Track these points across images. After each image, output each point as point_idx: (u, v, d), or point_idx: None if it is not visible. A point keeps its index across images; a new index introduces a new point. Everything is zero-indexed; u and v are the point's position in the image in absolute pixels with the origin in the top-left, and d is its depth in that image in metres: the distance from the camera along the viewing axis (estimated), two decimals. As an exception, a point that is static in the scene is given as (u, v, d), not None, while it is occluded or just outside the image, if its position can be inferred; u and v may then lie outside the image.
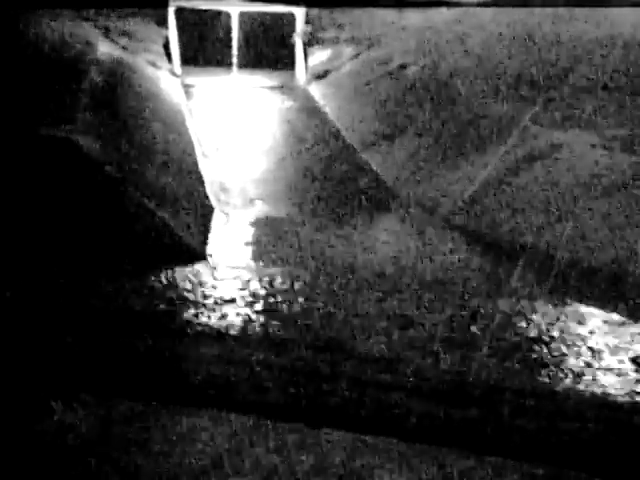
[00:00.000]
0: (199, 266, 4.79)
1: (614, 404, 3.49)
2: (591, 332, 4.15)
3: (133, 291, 4.34)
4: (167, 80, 9.84)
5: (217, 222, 5.72)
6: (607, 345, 4.02)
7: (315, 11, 11.04)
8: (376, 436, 3.12)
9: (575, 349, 3.97)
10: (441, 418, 3.32)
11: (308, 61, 10.92)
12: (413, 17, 10.86)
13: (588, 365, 3.81)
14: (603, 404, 3.48)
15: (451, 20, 10.25)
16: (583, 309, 4.41)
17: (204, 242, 5.20)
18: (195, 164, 6.92)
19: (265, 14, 10.86)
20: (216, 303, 4.32)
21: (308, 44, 10.94)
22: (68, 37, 8.19)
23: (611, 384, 3.64)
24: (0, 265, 4.27)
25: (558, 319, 4.29)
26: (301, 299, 4.43)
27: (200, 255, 4.95)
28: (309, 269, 4.89)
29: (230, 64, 10.81)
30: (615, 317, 4.31)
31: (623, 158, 5.62)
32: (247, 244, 5.35)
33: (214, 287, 4.53)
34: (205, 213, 5.81)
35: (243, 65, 10.84)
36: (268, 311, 4.25)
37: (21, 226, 4.50)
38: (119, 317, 4.02)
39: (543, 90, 7.15)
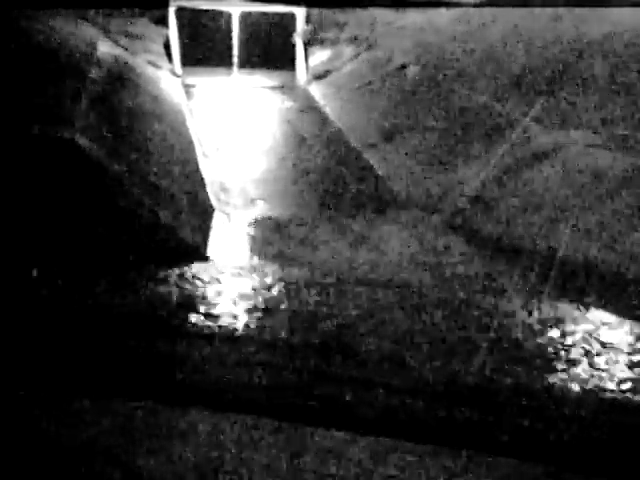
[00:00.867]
0: (199, 266, 4.79)
1: (614, 404, 3.49)
2: (591, 332, 4.15)
3: (133, 291, 4.34)
4: (167, 80, 9.84)
5: (217, 222, 5.72)
6: (607, 345, 4.02)
7: (315, 11, 11.03)
8: (376, 436, 3.12)
9: (575, 349, 3.97)
10: (441, 418, 3.32)
11: (308, 61, 10.92)
12: (413, 17, 10.85)
13: (588, 365, 3.81)
14: (603, 404, 3.48)
15: (451, 20, 10.25)
16: (583, 309, 4.41)
17: (204, 242, 5.20)
18: (195, 164, 6.92)
19: (265, 14, 10.85)
20: (216, 303, 4.32)
21: (308, 44, 10.94)
22: (68, 37, 8.18)
23: (611, 384, 3.64)
24: (0, 265, 4.27)
25: (558, 319, 4.29)
26: (301, 299, 4.43)
27: (200, 255, 4.95)
28: (309, 269, 4.89)
29: (230, 64, 10.80)
30: (615, 317, 4.31)
31: (623, 158, 5.62)
32: (247, 244, 5.35)
33: (214, 287, 4.53)
34: (205, 213, 5.81)
35: (243, 65, 10.84)
36: (268, 311, 4.25)
37: (21, 226, 4.50)
38: (119, 317, 4.02)
39: (543, 90, 7.15)
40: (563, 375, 3.70)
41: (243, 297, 4.42)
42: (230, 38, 10.78)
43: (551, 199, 5.49)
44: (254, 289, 4.54)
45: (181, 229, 5.03)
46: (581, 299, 4.50)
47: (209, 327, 4.04)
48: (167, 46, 10.67)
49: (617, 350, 3.96)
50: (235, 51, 10.83)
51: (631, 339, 4.08)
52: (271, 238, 5.47)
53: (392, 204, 6.25)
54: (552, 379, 3.66)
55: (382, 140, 7.67)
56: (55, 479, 2.81)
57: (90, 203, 4.71)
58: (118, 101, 6.90)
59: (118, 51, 9.34)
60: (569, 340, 4.05)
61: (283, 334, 3.99)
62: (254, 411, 3.25)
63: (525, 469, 2.99)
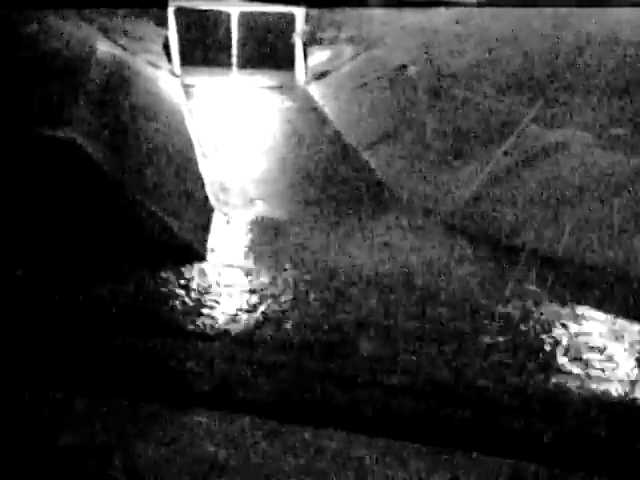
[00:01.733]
0: (199, 266, 4.79)
1: (614, 404, 3.49)
2: (591, 332, 4.15)
3: (133, 291, 4.34)
4: (167, 80, 9.84)
5: (217, 222, 5.71)
6: (607, 345, 4.02)
7: (315, 11, 11.03)
8: (376, 436, 3.11)
9: (575, 349, 3.97)
10: (441, 418, 3.32)
11: (308, 61, 10.91)
12: (413, 17, 10.85)
13: (588, 365, 3.81)
14: (603, 404, 3.48)
15: (451, 20, 10.25)
16: (583, 309, 4.41)
17: (203, 242, 5.20)
18: (195, 164, 6.91)
19: (265, 14, 10.85)
20: (216, 303, 4.32)
21: (308, 44, 10.93)
22: (68, 37, 8.18)
23: (611, 384, 3.64)
24: (0, 265, 4.26)
25: (558, 319, 4.29)
26: (301, 299, 4.42)
27: (199, 255, 4.95)
28: (309, 269, 4.89)
29: (230, 64, 10.80)
30: (615, 317, 4.31)
31: (623, 158, 5.62)
32: (247, 244, 5.35)
33: (214, 287, 4.53)
34: (205, 213, 5.80)
35: (243, 65, 10.83)
36: (268, 311, 4.25)
37: (21, 226, 4.50)
38: (119, 317, 4.02)
39: (543, 90, 7.15)
40: (563, 375, 3.70)
41: (242, 297, 4.42)
42: (229, 38, 10.78)
43: (551, 199, 5.49)
44: (253, 289, 4.53)
45: (180, 229, 5.03)
46: (581, 299, 4.50)
47: (208, 327, 4.04)
48: (166, 46, 10.67)
49: (617, 350, 3.96)
50: (234, 51, 10.82)
51: (631, 339, 4.07)
52: (270, 238, 5.46)
53: (392, 204, 6.24)
54: (552, 379, 3.66)
55: (381, 140, 7.67)
56: (55, 479, 2.81)
57: (89, 203, 4.70)
58: (117, 101, 6.90)
59: (118, 51, 9.34)
60: (569, 340, 4.05)
61: (283, 334, 3.99)
62: (254, 411, 3.25)
63: (525, 469, 2.98)
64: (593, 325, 4.23)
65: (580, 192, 5.41)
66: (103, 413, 3.14)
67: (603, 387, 3.60)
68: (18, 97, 5.43)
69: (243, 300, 4.38)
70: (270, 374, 3.58)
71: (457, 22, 10.06)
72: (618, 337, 4.09)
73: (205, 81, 10.38)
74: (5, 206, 4.52)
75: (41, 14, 8.47)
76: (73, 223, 4.60)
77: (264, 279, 4.68)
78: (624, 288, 4.55)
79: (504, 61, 8.09)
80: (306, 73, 10.76)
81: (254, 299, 4.39)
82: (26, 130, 4.87)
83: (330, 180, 6.84)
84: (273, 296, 4.44)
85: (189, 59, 10.63)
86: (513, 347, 3.96)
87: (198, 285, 4.52)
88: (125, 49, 9.85)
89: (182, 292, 4.40)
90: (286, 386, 3.50)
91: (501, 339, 4.03)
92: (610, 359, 3.87)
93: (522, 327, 4.18)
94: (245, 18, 10.76)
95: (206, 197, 6.17)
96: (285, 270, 4.85)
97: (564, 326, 4.20)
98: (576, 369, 3.76)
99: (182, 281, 4.54)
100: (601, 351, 3.95)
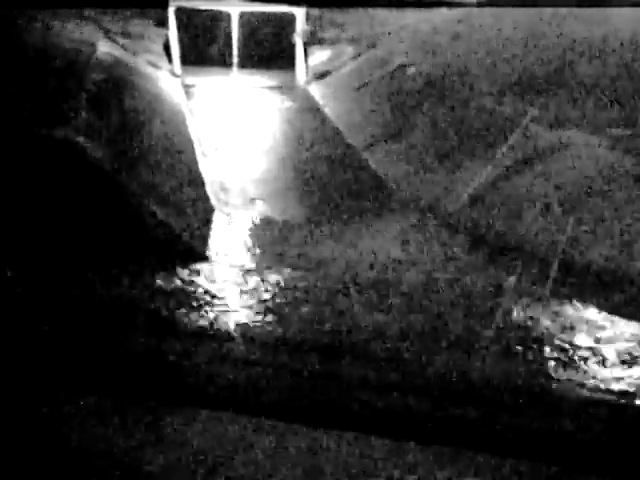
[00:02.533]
0: (199, 266, 4.79)
1: (614, 404, 3.49)
2: (591, 332, 4.16)
3: (133, 291, 4.34)
4: (167, 80, 9.84)
5: (217, 222, 5.71)
6: (607, 345, 4.02)
7: (315, 11, 11.03)
8: (376, 436, 3.11)
9: (575, 349, 3.97)
10: (441, 418, 3.32)
11: (308, 61, 10.91)
12: (413, 17, 10.85)
13: (588, 365, 3.81)
14: (603, 404, 3.48)
15: (451, 20, 10.25)
16: (583, 309, 4.41)
17: (204, 242, 5.20)
18: (195, 164, 6.91)
19: (265, 14, 10.85)
20: (216, 303, 4.32)
21: (308, 44, 10.93)
22: (68, 37, 8.19)
23: (611, 384, 3.64)
24: (0, 266, 4.27)
25: (558, 319, 4.29)
26: (301, 299, 4.42)
27: (199, 255, 4.95)
28: (309, 269, 4.89)
29: (230, 64, 10.79)
30: (615, 317, 4.31)
31: (623, 158, 5.62)
32: (247, 244, 5.35)
33: (214, 287, 4.53)
34: (205, 213, 5.80)
35: (243, 65, 10.83)
36: (268, 311, 4.25)
37: (21, 226, 4.50)
38: (118, 317, 4.02)
39: (543, 90, 7.15)
40: (563, 375, 3.70)
41: (242, 297, 4.42)
42: (230, 38, 10.77)
43: (551, 199, 5.49)
44: (254, 289, 4.54)
45: (180, 229, 5.03)
46: (581, 299, 4.50)
47: (208, 327, 4.04)
48: (167, 46, 10.66)
49: (617, 350, 3.97)
50: (235, 51, 10.82)
51: (631, 339, 4.07)
52: (270, 238, 5.46)
53: (392, 204, 6.24)
54: (552, 379, 3.66)
55: (382, 140, 7.67)
56: (56, 479, 2.81)
57: (89, 203, 4.71)
58: (118, 101, 6.90)
59: (118, 51, 9.34)
60: (569, 340, 4.05)
61: (283, 334, 3.99)
62: (254, 411, 3.25)
63: (525, 469, 2.98)
64: (593, 325, 4.23)
65: (580, 192, 5.41)
66: (103, 413, 3.14)
67: (603, 387, 3.60)
68: (18, 97, 5.43)
69: (243, 300, 4.38)
70: (270, 374, 3.59)
71: (457, 22, 10.06)
72: (618, 337, 4.10)
73: (205, 81, 10.38)
74: (5, 206, 4.52)
75: (41, 14, 8.48)
76: (73, 223, 4.60)
77: (264, 279, 4.68)
78: (624, 288, 4.55)
79: (504, 61, 8.10)
80: (306, 73, 10.76)
81: (254, 299, 4.40)
82: (26, 130, 4.87)
83: (330, 180, 6.85)
84: (273, 296, 4.44)
85: (189, 59, 10.62)
86: (513, 347, 3.96)
87: (198, 285, 4.53)
88: (125, 49, 9.85)
89: (182, 292, 4.40)
90: (287, 386, 3.50)
91: (501, 339, 4.03)
92: (610, 359, 3.87)
93: (522, 327, 4.18)
94: (245, 18, 10.76)
95: (206, 197, 6.17)
96: (285, 270, 4.85)
97: (564, 326, 4.21)
98: (576, 369, 3.76)
99: (182, 281, 4.55)
100: (601, 351, 3.95)
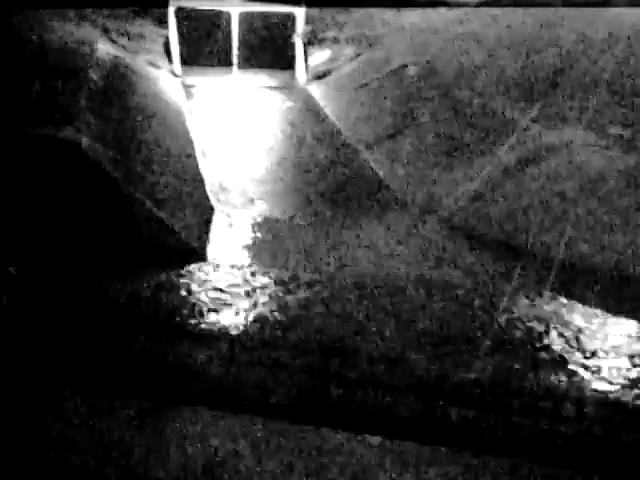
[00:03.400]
0: (199, 266, 4.79)
1: (614, 404, 3.49)
2: (591, 332, 4.15)
3: (133, 291, 4.34)
4: (167, 80, 9.84)
5: (217, 222, 5.71)
6: (607, 345, 4.02)
7: (315, 11, 11.02)
8: (376, 436, 3.12)
9: (575, 349, 3.97)
10: (441, 418, 3.32)
11: (308, 61, 10.90)
12: (413, 17, 10.85)
13: (588, 365, 3.81)
14: (603, 404, 3.48)
15: (451, 20, 10.24)
16: (583, 309, 4.41)
17: (204, 242, 5.20)
18: (195, 164, 6.91)
19: (265, 14, 10.84)
20: (216, 303, 4.32)
21: (308, 44, 10.93)
22: (68, 37, 8.18)
23: (611, 384, 3.64)
24: (0, 266, 4.27)
25: (558, 319, 4.29)
26: (301, 299, 4.42)
27: (200, 255, 4.95)
28: (309, 269, 4.89)
29: (230, 64, 10.79)
30: (615, 317, 4.31)
31: (623, 158, 5.62)
32: (247, 244, 5.35)
33: (214, 287, 4.53)
34: (205, 213, 5.80)
35: (243, 65, 10.83)
36: (268, 311, 4.25)
37: (20, 227, 4.50)
38: (118, 317, 4.02)
39: (543, 90, 7.15)
40: (563, 375, 3.70)
41: (242, 297, 4.42)
42: (230, 38, 10.77)
43: (551, 199, 5.49)
44: (254, 289, 4.54)
45: (180, 229, 5.03)
46: (581, 299, 4.50)
47: (208, 327, 4.04)
48: (167, 46, 10.66)
49: (618, 350, 3.97)
50: (235, 51, 10.81)
51: (632, 339, 4.08)
52: (270, 238, 5.46)
53: (392, 204, 6.24)
54: (552, 379, 3.66)
55: (382, 140, 7.67)
56: (55, 479, 2.81)
57: (89, 203, 4.71)
58: (118, 101, 6.90)
59: (118, 51, 9.34)
60: (569, 340, 4.05)
61: (283, 334, 3.99)
62: (254, 411, 3.25)
63: (524, 469, 2.98)
64: (593, 325, 4.23)
65: (580, 192, 5.41)
66: (103, 413, 3.14)
67: (603, 387, 3.60)
68: (18, 97, 5.43)
69: (243, 300, 4.38)
70: (271, 374, 3.59)
71: (457, 22, 10.06)
72: (618, 337, 4.10)
73: (205, 81, 10.38)
74: (5, 206, 4.52)
75: (41, 14, 8.47)
76: (72, 223, 4.60)
77: (264, 279, 4.68)
78: (625, 288, 4.55)
79: (504, 61, 8.09)
80: (306, 73, 10.76)
81: (254, 299, 4.40)
82: (26, 130, 4.87)
83: (330, 180, 6.84)
84: (273, 296, 4.44)
85: (190, 59, 10.62)
86: (513, 347, 3.96)
87: (198, 285, 4.53)
88: (125, 49, 9.85)
89: (182, 292, 4.40)
90: (287, 386, 3.50)
91: (501, 339, 4.03)
92: (610, 359, 3.87)
93: (522, 327, 4.18)
94: (245, 18, 10.76)
95: (206, 197, 6.17)
96: (285, 270, 4.85)
97: (564, 326, 4.21)
98: (576, 369, 3.76)
99: (182, 281, 4.55)
100: (601, 351, 3.95)
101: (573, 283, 4.66)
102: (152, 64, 10.10)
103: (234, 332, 4.00)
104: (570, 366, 3.78)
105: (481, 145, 6.64)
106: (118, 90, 7.32)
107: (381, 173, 6.96)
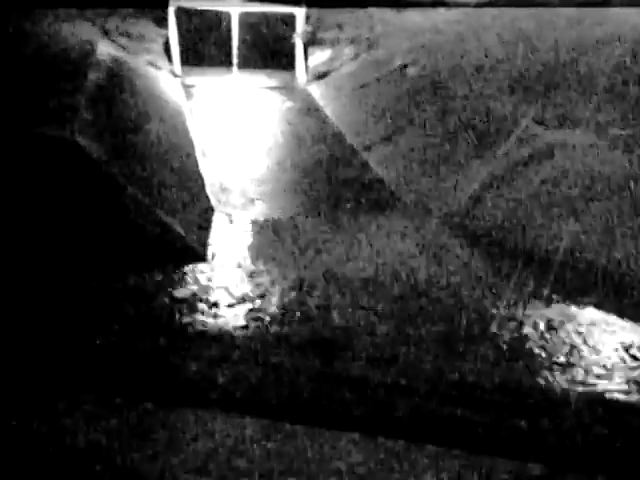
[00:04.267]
0: (199, 266, 4.79)
1: (614, 404, 3.49)
2: (591, 332, 4.15)
3: (133, 291, 4.34)
4: (167, 80, 9.84)
5: (217, 222, 5.71)
6: (607, 345, 4.02)
7: (315, 11, 11.02)
8: (377, 436, 3.11)
9: (575, 349, 3.97)
10: (441, 418, 3.32)
11: (308, 61, 10.91)
12: (413, 17, 10.85)
13: (588, 365, 3.81)
14: (603, 404, 3.48)
15: (451, 20, 10.25)
16: (583, 309, 4.41)
17: (204, 242, 5.20)
18: (195, 164, 6.91)
19: (265, 14, 10.85)
20: (216, 303, 4.32)
21: (308, 44, 10.93)
22: (68, 37, 8.18)
23: (611, 384, 3.64)
24: (0, 266, 4.27)
25: (558, 319, 4.29)
26: (301, 299, 4.43)
27: (200, 255, 4.95)
28: (309, 269, 4.89)
29: (230, 64, 10.80)
30: (616, 317, 4.31)
31: (623, 158, 5.62)
32: (247, 244, 5.35)
33: (214, 287, 4.53)
34: (205, 213, 5.80)
35: (243, 65, 10.83)
36: (268, 311, 4.25)
37: (20, 227, 4.50)
38: (118, 317, 4.02)
39: (543, 90, 7.15)
40: (563, 375, 3.70)
41: (243, 297, 4.42)
42: (230, 38, 10.77)
43: (551, 199, 5.49)
44: (254, 289, 4.54)
45: (180, 229, 5.03)
46: (581, 299, 4.50)
47: (208, 327, 4.04)
48: (167, 46, 10.66)
49: (617, 350, 3.96)
50: (235, 51, 10.82)
51: (631, 339, 4.07)
52: (271, 238, 5.46)
53: (392, 204, 6.24)
54: (552, 379, 3.66)
55: (382, 140, 7.67)
56: (55, 478, 2.81)
57: (89, 203, 4.71)
58: (118, 101, 6.90)
59: (118, 51, 9.34)
60: (569, 340, 4.05)
61: (284, 334, 3.99)
62: (254, 412, 3.25)
63: (524, 469, 2.98)
64: (593, 325, 4.23)
65: (580, 192, 5.41)
66: (103, 413, 3.14)
67: (603, 387, 3.60)
68: (18, 97, 5.43)
69: (243, 300, 4.38)
70: (271, 374, 3.59)
71: (457, 22, 10.06)
72: (618, 337, 4.10)
73: (205, 81, 10.38)
74: (5, 206, 4.52)
75: (41, 14, 8.47)
76: (72, 223, 4.60)
77: (264, 279, 4.68)
78: (624, 288, 4.55)
79: (504, 61, 8.10)
80: (306, 73, 10.76)
81: (254, 299, 4.40)
82: (26, 130, 4.87)
83: (330, 180, 6.84)
84: (274, 296, 4.44)
85: (189, 59, 10.63)
86: (512, 347, 3.96)
87: (198, 285, 4.53)
88: (125, 49, 9.85)
89: (182, 292, 4.40)
90: (287, 386, 3.50)
91: (501, 339, 4.03)
92: (610, 359, 3.87)
93: (522, 327, 4.18)
94: (245, 18, 10.76)
95: (206, 197, 6.17)
96: (286, 270, 4.85)
97: (564, 326, 4.21)
98: (576, 369, 3.76)
99: (182, 281, 4.55)
100: (601, 351, 3.95)
101: (574, 283, 4.66)
102: (152, 64, 10.10)
103: (234, 332, 4.00)
104: (570, 366, 3.78)
105: (481, 145, 6.64)
106: (118, 90, 7.32)
107: (381, 173, 6.96)
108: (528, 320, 4.26)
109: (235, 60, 10.83)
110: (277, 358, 3.74)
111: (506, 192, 5.83)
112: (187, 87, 10.02)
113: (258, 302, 4.35)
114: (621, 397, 3.53)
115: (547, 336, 4.09)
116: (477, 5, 10.74)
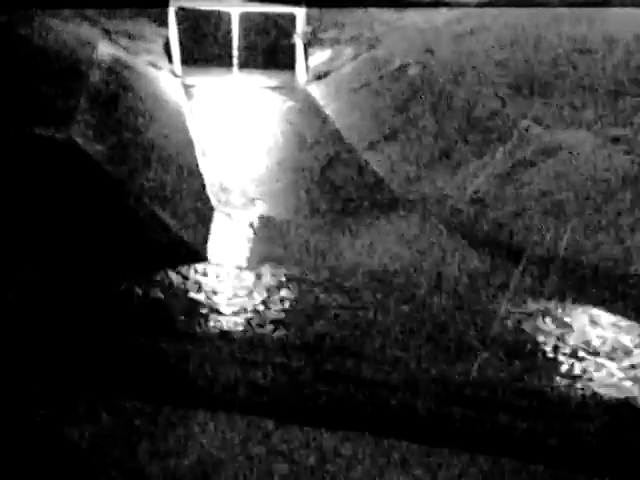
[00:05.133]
0: (199, 266, 4.79)
1: (614, 403, 3.49)
2: (591, 331, 4.16)
3: (132, 291, 4.34)
4: (167, 80, 9.84)
5: (217, 222, 5.71)
6: (607, 344, 4.02)
7: (315, 11, 11.03)
8: (376, 436, 3.11)
9: (575, 349, 3.97)
10: (441, 418, 3.32)
11: (308, 61, 10.91)
12: (413, 17, 10.85)
13: (588, 365, 3.81)
14: (603, 403, 3.48)
15: (451, 20, 10.24)
16: (583, 309, 4.41)
17: (204, 242, 5.20)
18: (195, 164, 6.92)
19: (265, 14, 10.85)
20: (216, 303, 4.32)
21: (308, 44, 10.93)
22: (68, 37, 8.19)
23: (611, 383, 3.64)
24: (1, 266, 4.27)
25: (558, 318, 4.29)
26: (301, 299, 4.43)
27: (200, 255, 4.95)
28: (309, 269, 4.89)
29: (230, 64, 10.81)
30: (615, 316, 4.31)
31: (623, 158, 5.62)
32: (247, 244, 5.35)
33: (214, 287, 4.53)
34: (205, 213, 5.81)
35: (243, 65, 10.84)
36: (268, 311, 4.25)
37: (21, 227, 4.50)
38: (119, 317, 4.02)
39: (543, 90, 7.15)
40: (563, 375, 3.70)
41: (243, 297, 4.42)
42: (230, 38, 10.78)
43: (551, 199, 5.49)
44: (254, 289, 4.54)
45: (181, 229, 5.03)
46: (581, 299, 4.50)
47: (209, 327, 4.04)
48: (167, 46, 10.67)
49: (617, 350, 3.96)
50: (235, 51, 10.83)
51: (631, 338, 4.08)
52: (271, 238, 5.46)
53: (392, 204, 6.24)
54: (552, 378, 3.66)
55: (382, 140, 7.67)
56: (55, 478, 2.81)
57: (89, 203, 4.71)
58: (118, 101, 6.90)
59: (118, 51, 9.34)
60: (569, 340, 4.05)
61: (284, 334, 3.99)
62: (255, 411, 3.25)
63: (525, 469, 2.98)
64: (593, 325, 4.23)
65: (580, 192, 5.41)
66: (104, 413, 3.14)
67: (603, 387, 3.60)
68: (19, 97, 5.43)
69: (244, 300, 4.38)
70: (270, 374, 3.59)
71: (457, 22, 10.06)
72: (618, 336, 4.10)
73: (205, 81, 10.39)
74: (5, 207, 4.52)
75: (42, 14, 8.48)
76: (73, 223, 4.60)
77: (265, 279, 4.68)
78: (624, 288, 4.55)
79: (504, 61, 8.10)
80: (306, 73, 10.77)
81: (255, 299, 4.40)
82: (26, 131, 4.87)
83: (330, 180, 6.85)
84: (273, 296, 4.44)
85: (190, 59, 10.63)
86: (513, 347, 3.96)
87: (198, 285, 4.53)
88: (125, 49, 9.85)
89: (182, 292, 4.40)
90: (287, 386, 3.50)
91: (501, 338, 4.03)
92: (610, 358, 3.87)
93: (522, 327, 4.18)
94: (245, 18, 10.77)
95: (206, 197, 6.17)
96: (285, 270, 4.85)
97: (564, 325, 4.21)
98: (576, 368, 3.76)
99: (182, 281, 4.55)
100: (601, 351, 3.95)
101: (573, 283, 4.66)
102: (152, 64, 10.11)
103: (234, 332, 4.00)
104: (570, 366, 3.78)
105: (481, 145, 6.64)
106: (118, 90, 7.32)
107: (380, 173, 6.96)
108: (528, 320, 4.26)
109: (235, 60, 10.84)
110: (278, 358, 3.74)
111: (506, 192, 5.83)
112: (187, 87, 10.02)
113: (258, 302, 4.35)
114: (621, 396, 3.54)
115: (548, 335, 4.09)
116: (477, 5, 10.74)
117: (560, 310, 4.39)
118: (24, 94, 5.51)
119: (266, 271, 4.82)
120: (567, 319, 4.29)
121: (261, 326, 4.07)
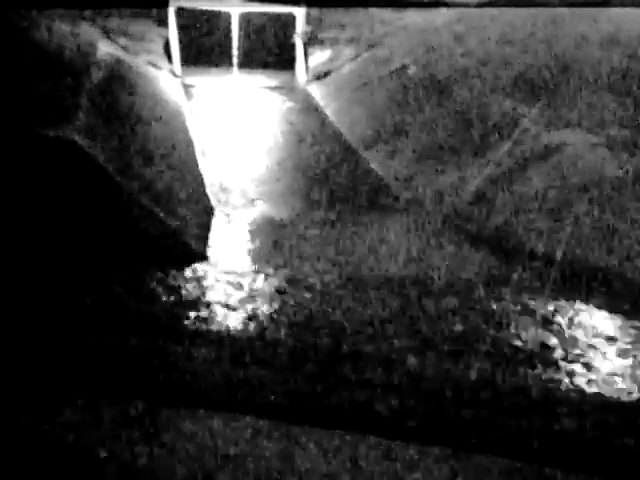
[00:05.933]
0: (199, 266, 4.79)
1: (614, 404, 3.49)
2: (591, 331, 4.16)
3: (133, 292, 4.34)
4: (167, 80, 9.84)
5: (217, 222, 5.71)
6: (607, 344, 4.02)
7: (315, 11, 11.03)
8: (376, 436, 3.12)
9: (575, 349, 3.97)
10: (441, 418, 3.32)
11: (308, 61, 10.91)
12: (413, 17, 10.85)
13: (588, 364, 3.81)
14: (603, 404, 3.48)
15: (451, 20, 10.24)
16: (583, 309, 4.41)
17: (204, 242, 5.20)
18: (195, 164, 6.92)
19: (265, 14, 10.85)
20: (216, 303, 4.32)
21: (308, 44, 10.93)
22: (68, 37, 8.18)
23: (611, 383, 3.64)
24: (1, 266, 4.27)
25: (558, 318, 4.29)
26: (301, 299, 4.43)
27: (200, 255, 4.95)
28: (309, 269, 4.89)
29: (230, 64, 10.81)
30: (615, 317, 4.32)
31: (623, 158, 5.62)
32: (247, 244, 5.35)
33: (214, 287, 4.53)
34: (205, 213, 5.81)
35: (243, 65, 10.84)
36: (268, 311, 4.25)
37: (21, 227, 4.50)
38: (119, 318, 4.02)
39: (543, 90, 7.15)
40: (563, 375, 3.70)
41: (243, 297, 4.42)
42: (230, 38, 10.78)
43: (551, 199, 5.49)
44: (254, 289, 4.54)
45: (181, 229, 5.03)
46: (581, 299, 4.50)
47: (209, 327, 4.04)
48: (167, 46, 10.67)
49: (617, 350, 3.97)
50: (235, 51, 10.83)
51: (631, 339, 4.08)
52: (271, 238, 5.46)
53: (392, 204, 6.24)
54: (552, 379, 3.66)
55: (382, 140, 7.67)
56: (55, 478, 2.81)
57: (89, 203, 4.71)
58: (118, 101, 6.90)
59: (118, 51, 9.34)
60: (569, 340, 4.05)
61: (284, 334, 3.99)
62: (255, 412, 3.25)
63: (523, 469, 2.99)
64: (593, 325, 4.23)
65: (580, 192, 5.41)
66: (102, 414, 3.15)
67: (603, 387, 3.61)
68: (18, 97, 5.43)
69: (243, 300, 4.38)
70: (270, 374, 3.59)
71: (457, 22, 10.06)
72: (618, 337, 4.10)
73: (206, 81, 10.39)
74: (5, 207, 4.52)
75: (41, 14, 8.47)
76: (73, 223, 4.60)
77: (264, 279, 4.68)
78: (624, 288, 4.55)
79: (504, 61, 8.09)
80: (307, 73, 10.77)
81: (255, 299, 4.40)
82: (26, 130, 4.87)
83: (330, 180, 6.85)
84: (273, 296, 4.44)
85: (190, 59, 10.63)
86: (513, 347, 3.96)
87: (199, 285, 4.53)
88: (125, 49, 9.85)
89: (182, 292, 4.40)
90: (287, 386, 3.50)
91: (501, 339, 4.03)
92: (610, 359, 3.87)
93: (522, 327, 4.18)
94: (245, 18, 10.77)
95: (206, 197, 6.17)
96: (285, 270, 4.85)
97: (564, 326, 4.21)
98: (576, 369, 3.76)
99: (182, 282, 4.55)
100: (601, 351, 3.95)
101: (573, 283, 4.66)
102: (152, 64, 10.11)
103: (234, 332, 4.00)
104: (570, 365, 3.78)
105: (481, 145, 6.64)
106: (118, 90, 7.32)
107: (381, 173, 6.96)
108: (529, 319, 4.26)
109: (235, 60, 10.84)
110: (278, 358, 3.74)
111: (506, 192, 5.83)
112: (187, 87, 10.02)
113: (258, 302, 4.35)
114: (621, 397, 3.54)
115: (548, 335, 4.09)
116: (477, 5, 10.74)
117: (560, 310, 4.39)
118: (24, 94, 5.51)
119: (265, 271, 4.82)
120: (567, 319, 4.29)
121: (262, 326, 4.07)
